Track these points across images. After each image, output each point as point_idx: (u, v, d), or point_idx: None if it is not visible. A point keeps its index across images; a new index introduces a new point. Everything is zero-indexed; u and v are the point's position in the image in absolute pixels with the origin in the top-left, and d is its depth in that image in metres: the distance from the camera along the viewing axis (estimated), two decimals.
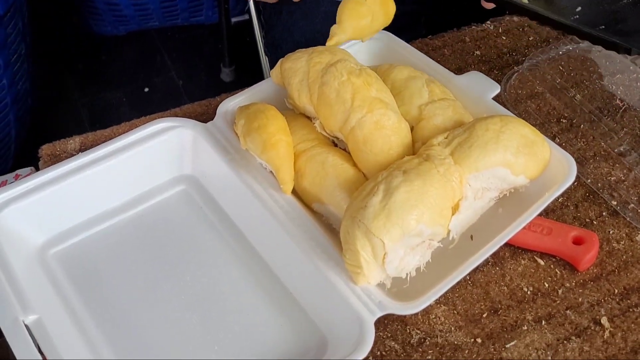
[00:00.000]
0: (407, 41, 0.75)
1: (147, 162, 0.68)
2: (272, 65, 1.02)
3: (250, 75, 1.70)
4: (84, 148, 0.73)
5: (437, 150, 0.59)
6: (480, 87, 0.68)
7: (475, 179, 0.59)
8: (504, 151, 0.59)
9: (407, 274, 0.57)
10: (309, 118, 0.67)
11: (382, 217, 0.55)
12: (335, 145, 0.66)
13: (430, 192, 0.56)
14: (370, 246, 0.55)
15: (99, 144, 0.73)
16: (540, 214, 0.61)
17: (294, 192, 0.64)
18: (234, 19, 1.78)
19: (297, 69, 0.65)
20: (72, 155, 0.72)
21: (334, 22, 0.95)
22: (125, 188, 0.68)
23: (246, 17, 1.75)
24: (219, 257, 0.64)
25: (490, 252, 0.57)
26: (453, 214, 0.58)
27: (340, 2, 0.69)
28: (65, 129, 1.75)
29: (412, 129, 0.65)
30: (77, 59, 1.93)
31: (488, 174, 0.59)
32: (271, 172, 0.64)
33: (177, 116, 0.76)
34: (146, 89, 1.86)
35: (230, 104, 0.70)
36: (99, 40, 1.94)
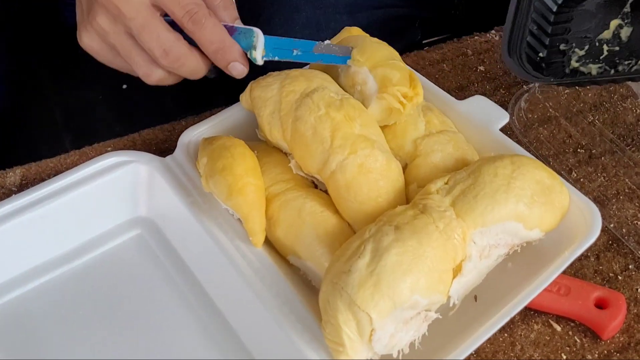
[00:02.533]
0: (401, 51, 0.64)
1: (97, 203, 0.59)
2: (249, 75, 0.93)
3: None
4: (25, 182, 0.63)
5: (436, 199, 0.50)
6: (486, 115, 0.58)
7: (481, 236, 0.49)
8: (516, 202, 0.49)
9: (399, 351, 0.47)
10: (284, 153, 0.57)
11: (369, 285, 0.45)
12: (315, 186, 0.56)
13: (427, 254, 0.47)
14: (354, 321, 0.46)
15: (43, 178, 0.63)
16: None
17: (267, 242, 0.54)
18: None
19: (268, 98, 0.55)
20: (11, 191, 0.62)
21: (316, 27, 0.85)
22: (70, 234, 0.59)
23: None
24: (177, 319, 0.55)
25: (500, 325, 0.48)
26: (454, 278, 0.49)
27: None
28: (38, 130, 1.66)
29: (405, 166, 0.55)
30: (50, 53, 1.82)
31: (497, 230, 0.49)
32: (239, 219, 0.54)
33: (135, 143, 0.66)
34: (124, 86, 1.75)
35: (194, 133, 0.60)
36: (74, 32, 1.84)
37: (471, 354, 0.52)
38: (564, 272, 0.55)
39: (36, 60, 1.77)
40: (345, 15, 0.86)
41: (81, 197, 0.58)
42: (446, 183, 0.51)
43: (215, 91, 0.87)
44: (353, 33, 0.62)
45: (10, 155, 0.88)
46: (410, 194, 0.54)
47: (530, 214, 0.50)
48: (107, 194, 0.59)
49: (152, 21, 0.54)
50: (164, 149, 0.66)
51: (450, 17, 0.98)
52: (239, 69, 0.56)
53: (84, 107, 1.70)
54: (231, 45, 0.55)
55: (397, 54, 0.58)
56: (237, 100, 0.63)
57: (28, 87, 1.71)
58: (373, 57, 0.56)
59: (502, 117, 0.58)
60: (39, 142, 1.57)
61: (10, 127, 1.57)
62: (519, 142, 0.63)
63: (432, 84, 0.61)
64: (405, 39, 0.93)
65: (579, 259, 0.57)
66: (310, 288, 0.53)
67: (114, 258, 0.58)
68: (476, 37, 0.74)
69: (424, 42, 0.97)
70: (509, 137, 0.58)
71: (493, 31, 0.75)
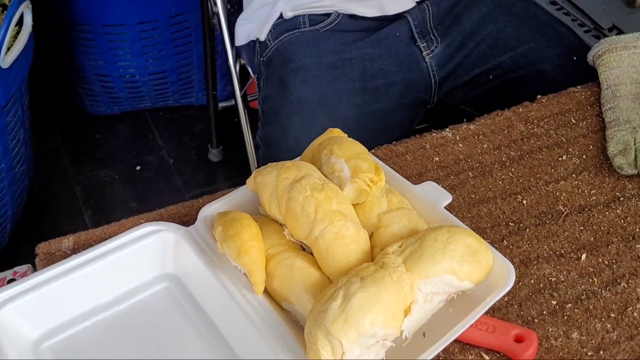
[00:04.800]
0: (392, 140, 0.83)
1: (134, 263, 0.75)
2: (264, 158, 1.11)
3: (237, 156, 1.79)
4: (77, 246, 0.80)
5: (391, 258, 0.67)
6: (434, 196, 0.76)
7: (425, 285, 0.66)
8: (450, 260, 0.66)
9: None
10: (280, 224, 0.75)
11: (340, 320, 0.62)
12: (303, 249, 0.73)
13: (384, 297, 0.63)
14: (330, 346, 0.62)
15: (90, 244, 0.80)
16: (486, 313, 0.69)
17: (266, 292, 0.71)
18: (221, 104, 1.88)
19: (268, 182, 0.73)
20: (66, 254, 0.79)
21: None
22: (113, 286, 0.75)
23: (232, 102, 1.85)
24: (195, 352, 0.71)
25: (440, 349, 0.64)
26: (405, 316, 0.65)
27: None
28: (60, 208, 1.83)
29: (371, 235, 0.72)
30: (72, 137, 2.02)
31: (436, 280, 0.66)
32: (245, 274, 0.71)
33: (162, 216, 0.83)
34: (138, 167, 1.94)
35: (210, 209, 0.78)
36: (93, 120, 2.04)
37: None
38: (492, 315, 0.72)
39: (59, 145, 1.97)
40: (352, 130, 1.06)
41: (122, 258, 0.75)
42: (400, 246, 0.68)
43: (216, 173, 1.00)
44: (335, 134, 0.81)
45: (35, 228, 1.00)
46: (374, 255, 0.71)
47: (461, 269, 0.67)
48: (142, 255, 0.76)
49: None
50: (185, 220, 0.83)
51: (427, 110, 1.19)
52: None
53: (102, 185, 1.89)
54: None
55: (366, 150, 0.76)
56: (235, 178, 0.80)
57: (51, 168, 1.91)
58: (348, 152, 0.75)
59: (447, 198, 0.76)
60: (62, 216, 1.74)
61: (36, 203, 1.76)
62: (463, 217, 0.81)
63: (394, 171, 0.79)
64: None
65: (506, 305, 0.73)
66: (298, 327, 0.70)
67: (147, 305, 0.75)
68: (434, 134, 0.92)
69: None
70: (456, 211, 0.76)
71: (447, 129, 0.93)
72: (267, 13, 1.21)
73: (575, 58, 1.07)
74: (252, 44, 1.27)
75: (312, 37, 1.15)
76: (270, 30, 1.19)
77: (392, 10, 1.19)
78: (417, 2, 1.20)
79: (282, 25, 1.18)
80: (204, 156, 1.94)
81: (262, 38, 1.20)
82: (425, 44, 1.16)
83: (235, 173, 1.84)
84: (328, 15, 1.18)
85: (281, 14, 1.19)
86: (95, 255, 0.74)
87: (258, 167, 1.12)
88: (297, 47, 1.14)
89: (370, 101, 1.11)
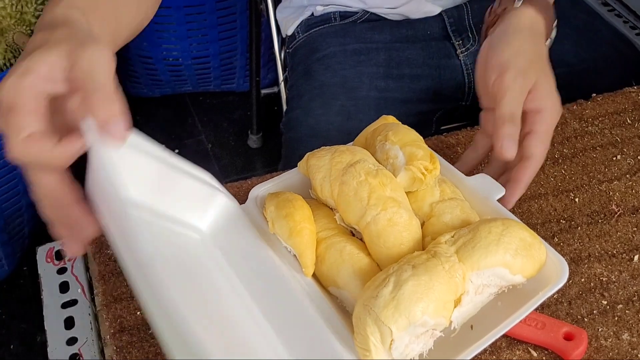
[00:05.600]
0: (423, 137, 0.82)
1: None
2: (285, 142, 1.11)
3: (275, 144, 1.79)
4: None
5: (444, 248, 0.66)
6: (487, 189, 0.75)
7: (476, 277, 0.65)
8: (504, 253, 0.65)
9: (410, 359, 0.64)
10: (330, 208, 0.74)
11: (391, 307, 0.62)
12: (353, 234, 0.73)
13: (435, 286, 0.63)
14: (379, 332, 0.62)
15: None
16: (535, 309, 0.68)
17: (314, 275, 0.71)
18: (263, 90, 1.88)
19: (321, 166, 0.72)
20: None
21: (347, 116, 1.03)
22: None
23: (275, 89, 1.84)
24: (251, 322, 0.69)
25: (489, 342, 0.63)
26: (455, 307, 0.65)
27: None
28: None
29: (423, 224, 0.72)
30: None
31: (488, 273, 0.66)
32: (295, 255, 0.71)
33: None
34: (176, 151, 1.95)
35: (261, 189, 0.77)
36: (134, 102, 2.05)
37: None
38: (542, 312, 0.71)
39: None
40: (372, 110, 1.05)
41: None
42: (452, 237, 0.68)
43: (253, 160, 0.98)
44: (388, 121, 0.80)
45: None
46: (425, 244, 0.70)
47: (514, 263, 0.66)
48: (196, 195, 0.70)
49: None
50: None
51: (461, 107, 1.17)
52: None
53: None
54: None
55: (421, 138, 0.76)
56: (273, 166, 0.80)
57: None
58: (403, 139, 0.74)
59: (500, 191, 0.75)
60: None
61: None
62: (514, 212, 0.80)
63: (446, 162, 0.79)
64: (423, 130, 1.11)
65: (555, 303, 0.72)
66: (345, 312, 0.69)
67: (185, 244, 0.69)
68: None
69: (442, 128, 1.16)
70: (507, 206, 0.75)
71: None
72: (300, 12, 1.21)
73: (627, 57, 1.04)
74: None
75: (340, 27, 1.14)
76: (300, 23, 1.19)
77: (417, 16, 1.17)
78: (454, 6, 1.17)
79: (313, 20, 1.18)
80: (243, 143, 1.94)
81: (290, 33, 1.20)
82: (460, 41, 1.14)
83: (272, 161, 1.85)
84: (357, 12, 1.17)
85: (313, 12, 1.19)
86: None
87: (284, 153, 1.11)
88: (325, 39, 1.13)
89: (393, 87, 1.09)
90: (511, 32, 0.78)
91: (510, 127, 0.72)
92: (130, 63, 1.96)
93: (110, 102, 0.51)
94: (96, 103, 0.51)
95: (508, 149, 0.72)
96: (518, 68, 0.74)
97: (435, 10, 1.16)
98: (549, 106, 0.75)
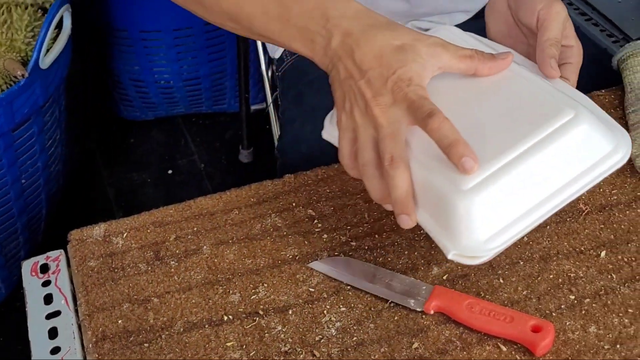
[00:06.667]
0: None
1: None
2: (279, 168, 1.13)
3: (266, 162, 1.82)
4: (107, 234, 0.83)
5: None
6: None
7: None
8: None
9: None
10: None
11: None
12: None
13: None
14: None
15: (121, 232, 0.83)
16: (504, 305, 0.71)
17: None
18: (253, 107, 1.92)
19: None
20: (97, 240, 0.82)
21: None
22: None
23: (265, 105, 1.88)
24: None
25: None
26: None
27: None
28: (93, 208, 1.88)
29: None
30: (107, 141, 2.07)
31: None
32: None
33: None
34: (170, 171, 1.98)
35: None
36: (128, 125, 2.08)
37: None
38: (512, 307, 0.73)
39: (94, 147, 2.02)
40: None
41: None
42: None
43: (245, 177, 1.00)
44: None
45: (68, 228, 0.96)
46: None
47: None
48: None
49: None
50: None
51: None
52: (469, 164, 0.64)
53: (134, 188, 1.93)
54: (464, 142, 0.65)
55: None
56: (262, 180, 0.83)
57: (86, 170, 1.95)
58: None
59: None
60: (94, 217, 1.78)
61: (69, 203, 1.80)
62: None
63: None
64: None
65: (524, 299, 0.74)
66: None
67: None
68: None
69: None
70: None
71: None
72: None
73: (599, 63, 1.07)
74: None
75: None
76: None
77: None
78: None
79: None
80: (234, 161, 1.97)
81: (277, 56, 1.23)
82: None
83: (264, 176, 1.86)
84: None
85: None
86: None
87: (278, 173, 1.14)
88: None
89: None
90: None
91: (556, 50, 0.77)
92: (123, 87, 1.99)
93: None
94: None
95: (555, 69, 0.76)
96: (560, 4, 0.81)
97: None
98: (578, 45, 0.81)
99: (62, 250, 0.83)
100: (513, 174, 0.65)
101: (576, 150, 0.67)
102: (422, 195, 0.68)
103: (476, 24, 1.20)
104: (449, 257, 0.67)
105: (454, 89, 0.73)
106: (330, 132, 0.78)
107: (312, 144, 1.05)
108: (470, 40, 0.80)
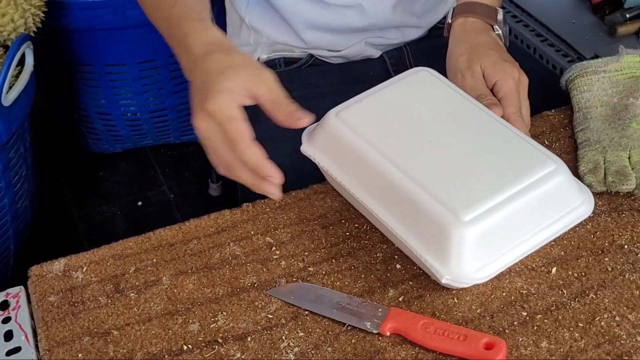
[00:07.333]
0: None
1: None
2: (242, 197, 1.13)
3: (236, 191, 1.83)
4: (67, 268, 0.84)
5: None
6: None
7: None
8: None
9: None
10: None
11: None
12: None
13: None
14: None
15: (81, 266, 0.84)
16: (458, 324, 0.72)
17: None
18: None
19: None
20: (57, 275, 0.83)
21: (299, 156, 1.07)
22: None
23: None
24: None
25: None
26: None
27: None
28: (63, 242, 1.87)
29: None
30: (76, 175, 2.07)
31: None
32: None
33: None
34: (139, 203, 1.98)
35: None
36: (97, 158, 2.08)
37: None
38: (466, 326, 0.75)
39: (62, 181, 2.02)
40: None
41: None
42: None
43: (214, 208, 1.01)
44: None
45: (36, 262, 0.95)
46: None
47: None
48: None
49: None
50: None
51: None
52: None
53: (103, 221, 1.93)
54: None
55: None
56: None
57: (55, 204, 1.95)
58: None
59: None
60: (63, 251, 1.77)
61: (38, 239, 1.79)
62: None
63: None
64: None
65: (478, 317, 0.76)
66: None
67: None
68: None
69: None
70: None
71: None
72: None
73: (551, 84, 1.10)
74: None
75: (285, 74, 1.19)
76: None
77: (358, 59, 1.23)
78: (394, 48, 1.23)
79: None
80: (204, 191, 1.98)
81: None
82: None
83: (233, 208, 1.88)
84: (301, 58, 1.22)
85: (259, 58, 1.23)
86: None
87: (241, 188, 1.14)
88: None
89: None
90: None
91: (520, 116, 0.92)
92: (90, 120, 2.00)
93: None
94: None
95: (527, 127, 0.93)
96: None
97: (375, 53, 1.21)
98: (501, 75, 0.95)
99: (22, 287, 0.83)
100: (502, 213, 0.75)
101: (555, 197, 0.78)
102: (415, 221, 0.76)
103: (430, 43, 1.24)
104: (443, 282, 0.73)
105: (449, 123, 0.85)
106: (307, 147, 0.88)
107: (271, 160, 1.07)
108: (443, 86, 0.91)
